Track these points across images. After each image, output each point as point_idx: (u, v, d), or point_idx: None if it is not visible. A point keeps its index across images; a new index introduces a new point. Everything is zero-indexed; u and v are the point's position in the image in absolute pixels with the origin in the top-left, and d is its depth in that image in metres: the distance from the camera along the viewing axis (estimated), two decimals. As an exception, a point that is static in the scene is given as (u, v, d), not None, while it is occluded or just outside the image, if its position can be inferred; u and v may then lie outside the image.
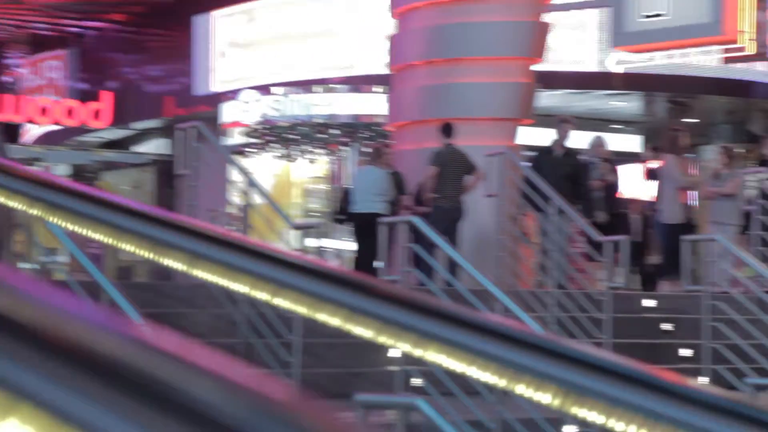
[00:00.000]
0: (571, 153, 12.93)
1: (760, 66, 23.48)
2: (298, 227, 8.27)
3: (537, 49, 14.77)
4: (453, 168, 12.51)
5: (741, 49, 20.04)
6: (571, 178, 12.49)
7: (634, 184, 18.68)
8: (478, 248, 11.60)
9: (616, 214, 13.40)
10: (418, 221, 7.25)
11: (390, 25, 15.94)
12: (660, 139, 18.80)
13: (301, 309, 2.48)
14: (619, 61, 21.78)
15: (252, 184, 8.12)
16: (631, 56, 21.30)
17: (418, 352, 2.28)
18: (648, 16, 19.82)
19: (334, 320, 2.37)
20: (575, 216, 10.01)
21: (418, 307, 2.32)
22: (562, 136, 12.93)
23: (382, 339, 2.31)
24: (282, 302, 2.49)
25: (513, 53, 14.54)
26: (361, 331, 2.37)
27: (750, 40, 20.02)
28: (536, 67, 14.94)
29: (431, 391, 6.44)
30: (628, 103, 25.99)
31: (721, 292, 8.90)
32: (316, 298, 2.47)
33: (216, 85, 26.78)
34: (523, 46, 14.58)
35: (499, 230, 9.88)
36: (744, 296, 8.78)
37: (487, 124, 14.19)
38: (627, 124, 27.11)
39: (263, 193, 8.39)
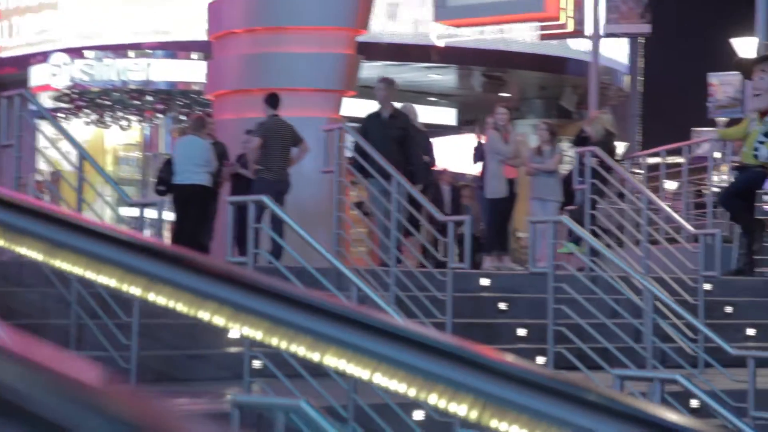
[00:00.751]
0: (399, 115, 12.55)
1: (573, 43, 23.92)
2: (133, 204, 7.93)
3: (361, 20, 14.61)
4: (278, 140, 12.22)
5: (562, 26, 20.35)
6: (400, 140, 12.19)
7: (447, 156, 18.82)
8: (304, 223, 11.38)
9: (427, 185, 13.31)
10: (268, 201, 7.02)
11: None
12: (477, 114, 18.95)
13: (180, 306, 2.26)
14: (440, 35, 21.84)
15: (84, 155, 7.73)
16: (452, 30, 21.39)
17: (315, 357, 2.10)
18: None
19: (217, 318, 2.17)
20: (420, 196, 9.82)
21: (316, 308, 2.14)
22: (385, 96, 12.43)
23: (274, 341, 2.14)
24: (157, 298, 2.27)
25: (337, 23, 14.34)
26: (249, 331, 2.18)
27: (569, 17, 20.36)
28: (358, 39, 14.80)
29: (275, 374, 6.24)
30: (445, 77, 26.20)
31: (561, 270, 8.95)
32: (197, 294, 2.25)
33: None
34: (347, 16, 14.40)
35: (336, 206, 9.68)
36: (582, 275, 8.88)
37: (310, 94, 13.97)
38: (443, 97, 27.36)
39: (96, 165, 8.01)
